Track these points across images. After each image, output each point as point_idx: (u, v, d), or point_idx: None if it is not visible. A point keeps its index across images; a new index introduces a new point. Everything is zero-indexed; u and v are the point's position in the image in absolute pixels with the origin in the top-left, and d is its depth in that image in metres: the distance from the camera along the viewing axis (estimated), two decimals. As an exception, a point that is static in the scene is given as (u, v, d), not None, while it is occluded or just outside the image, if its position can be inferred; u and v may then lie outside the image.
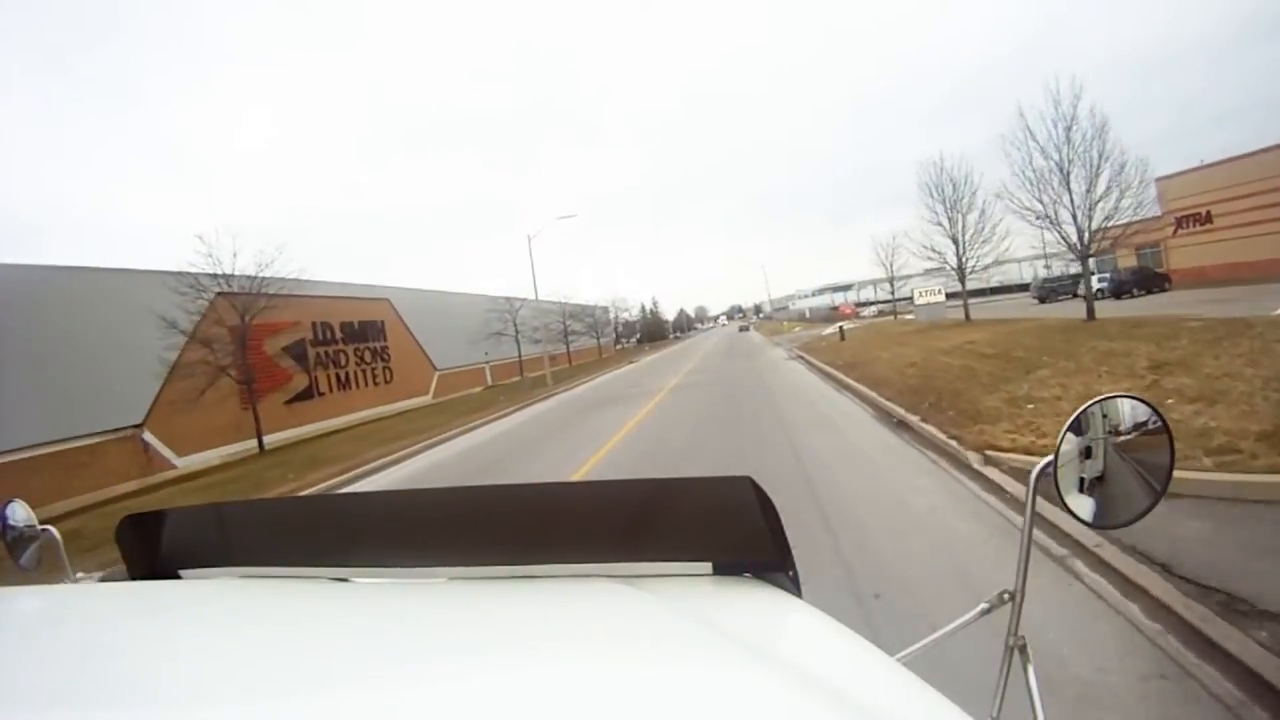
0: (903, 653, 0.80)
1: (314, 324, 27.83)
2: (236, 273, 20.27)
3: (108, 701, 0.53)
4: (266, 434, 22.74)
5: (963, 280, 21.27)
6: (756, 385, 14.46)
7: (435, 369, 35.11)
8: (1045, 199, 14.63)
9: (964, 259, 20.90)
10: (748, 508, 0.73)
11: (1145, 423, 0.83)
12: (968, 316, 21.62)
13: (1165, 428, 0.82)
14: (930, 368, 11.21)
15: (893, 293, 32.72)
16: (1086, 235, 14.39)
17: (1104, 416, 0.83)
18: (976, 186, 20.46)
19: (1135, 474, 0.82)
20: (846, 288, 73.49)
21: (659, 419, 11.53)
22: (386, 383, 31.42)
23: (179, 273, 19.59)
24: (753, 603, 0.72)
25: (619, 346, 71.23)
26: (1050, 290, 33.30)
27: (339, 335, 29.10)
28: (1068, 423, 0.83)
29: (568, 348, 44.37)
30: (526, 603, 0.73)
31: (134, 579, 1.00)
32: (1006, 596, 0.86)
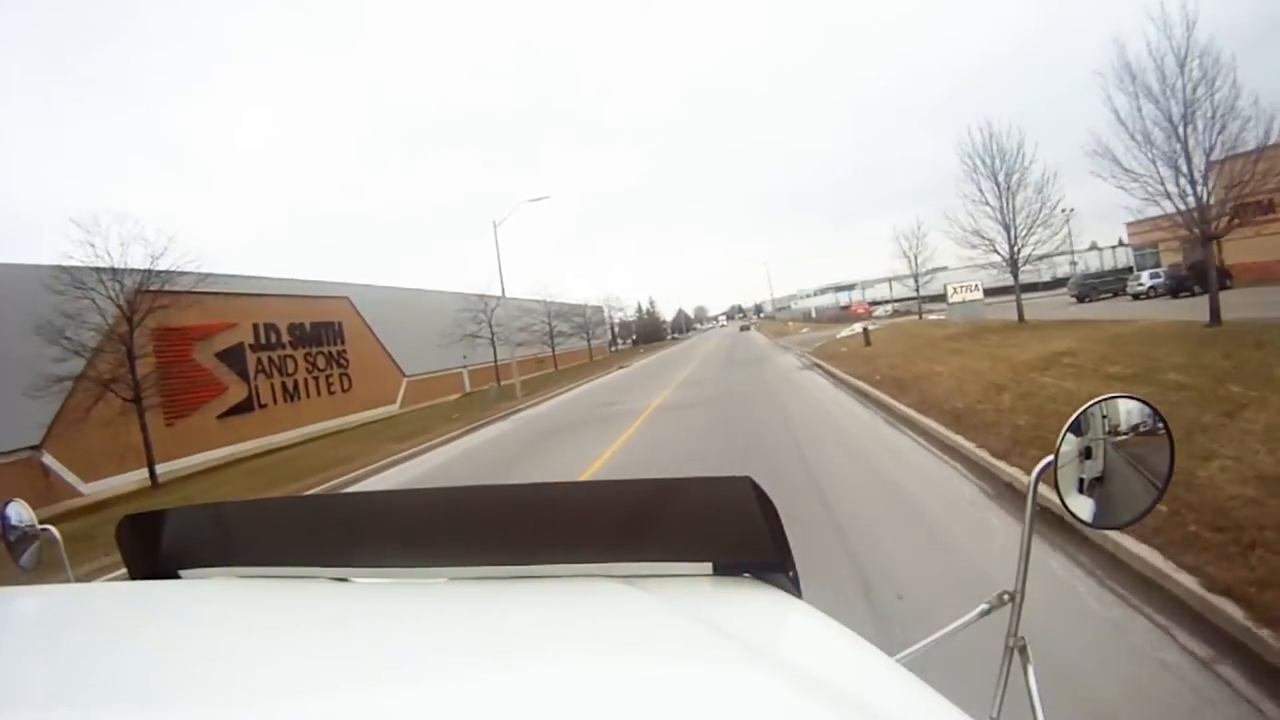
0: (903, 653, 0.79)
1: (256, 326, 24.81)
2: (125, 265, 16.53)
3: (108, 701, 0.53)
4: (194, 453, 19.73)
5: (1015, 272, 17.44)
6: (769, 410, 10.77)
7: (404, 375, 31.77)
8: (1157, 157, 10.93)
9: (1017, 246, 17.11)
10: (748, 508, 0.72)
11: (1145, 423, 0.83)
12: (1021, 317, 17.74)
13: (1165, 428, 0.82)
14: (1033, 395, 7.55)
15: (917, 289, 28.62)
16: (1206, 209, 10.77)
17: (1104, 417, 0.83)
18: (1031, 159, 16.74)
19: (1135, 474, 0.82)
20: (850, 287, 70.39)
21: (625, 472, 7.89)
22: (344, 391, 28.04)
23: (61, 267, 15.95)
24: (753, 603, 0.71)
25: (614, 348, 67.67)
26: (1090, 288, 29.75)
27: (286, 338, 25.93)
28: (1068, 423, 0.82)
29: (553, 350, 40.49)
30: (526, 603, 0.73)
31: (134, 579, 0.99)
32: (1006, 597, 0.86)
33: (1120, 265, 36.96)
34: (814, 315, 61.46)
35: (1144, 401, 0.83)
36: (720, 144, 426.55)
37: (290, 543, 0.91)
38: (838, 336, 23.06)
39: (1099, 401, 0.83)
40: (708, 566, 0.75)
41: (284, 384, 25.38)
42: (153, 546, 0.97)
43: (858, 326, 23.78)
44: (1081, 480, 0.82)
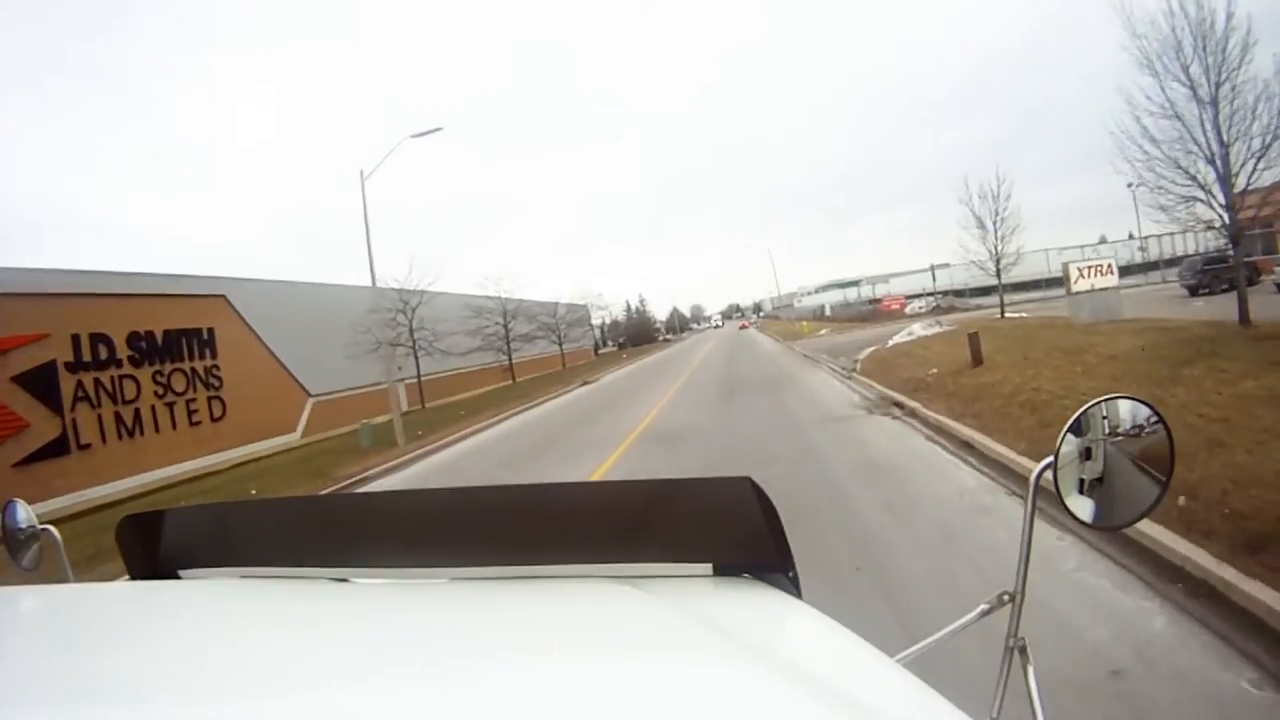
0: (903, 654, 0.79)
1: (76, 338, 17.89)
2: None
3: (108, 701, 0.53)
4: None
5: (1237, 237, 9.50)
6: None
7: (309, 395, 24.75)
8: None
9: (1237, 192, 9.17)
10: (748, 508, 0.72)
11: (1145, 424, 0.81)
12: (1246, 319, 9.78)
13: (1165, 429, 0.80)
14: None
15: (998, 274, 19.93)
16: None
17: (1104, 417, 0.82)
18: (1251, 39, 9.28)
19: (1135, 475, 0.81)
20: (855, 283, 64.09)
21: None
22: (214, 420, 20.94)
23: None
24: (753, 603, 0.71)
25: (599, 352, 60.36)
26: (1211, 276, 22.44)
27: (124, 353, 19.04)
28: (1068, 423, 0.81)
29: (510, 358, 32.82)
30: (527, 603, 0.73)
31: (134, 579, 0.99)
32: (1006, 598, 0.85)
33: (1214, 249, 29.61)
34: (828, 313, 53.93)
35: (1144, 402, 0.82)
36: (718, 144, 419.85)
37: (291, 543, 0.90)
38: (890, 343, 15.77)
39: (1099, 402, 0.82)
40: (708, 567, 0.75)
41: (118, 415, 18.40)
42: (153, 546, 0.97)
43: (917, 328, 16.46)
44: (1081, 481, 0.82)
